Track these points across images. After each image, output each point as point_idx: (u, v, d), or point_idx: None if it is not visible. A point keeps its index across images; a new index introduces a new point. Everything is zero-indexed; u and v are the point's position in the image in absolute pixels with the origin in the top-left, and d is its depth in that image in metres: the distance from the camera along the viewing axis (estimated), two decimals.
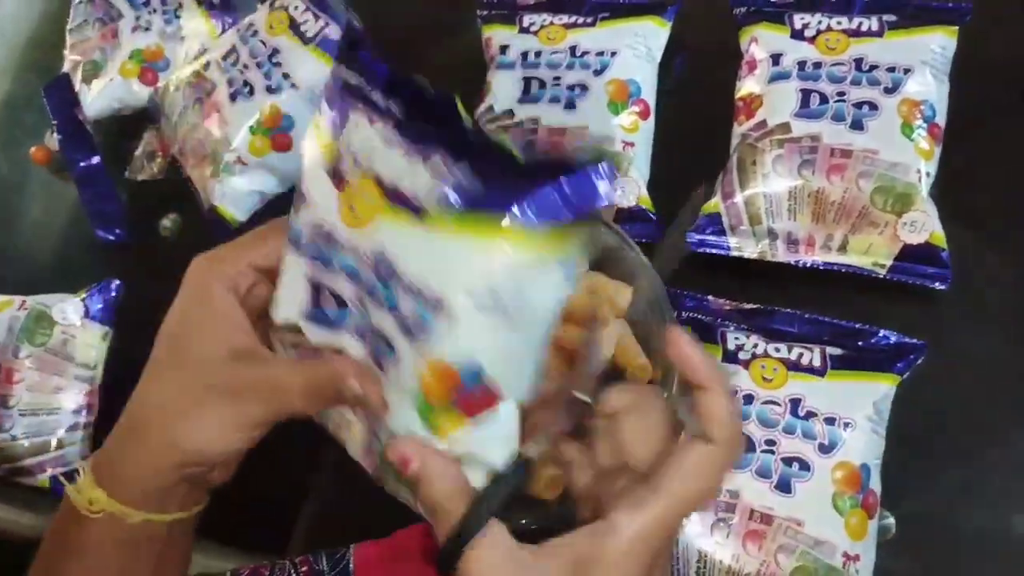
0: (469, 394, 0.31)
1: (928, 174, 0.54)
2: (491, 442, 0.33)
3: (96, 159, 0.77)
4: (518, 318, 0.30)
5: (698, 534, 0.47)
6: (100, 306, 0.70)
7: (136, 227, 0.78)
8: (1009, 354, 0.54)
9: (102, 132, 0.82)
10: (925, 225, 0.53)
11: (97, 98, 0.81)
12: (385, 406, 0.33)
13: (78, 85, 0.81)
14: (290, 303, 0.36)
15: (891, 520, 0.50)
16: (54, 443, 0.66)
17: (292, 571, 0.51)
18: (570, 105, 0.62)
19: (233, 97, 0.71)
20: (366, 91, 0.32)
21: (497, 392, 0.32)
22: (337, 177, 0.33)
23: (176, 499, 0.38)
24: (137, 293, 0.73)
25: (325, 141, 0.34)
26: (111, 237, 0.77)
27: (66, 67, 0.84)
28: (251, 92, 0.70)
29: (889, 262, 0.54)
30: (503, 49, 0.67)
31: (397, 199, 0.31)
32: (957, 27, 0.58)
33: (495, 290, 0.30)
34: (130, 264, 0.76)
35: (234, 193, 0.71)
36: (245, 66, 0.71)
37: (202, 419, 0.35)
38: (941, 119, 0.56)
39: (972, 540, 0.50)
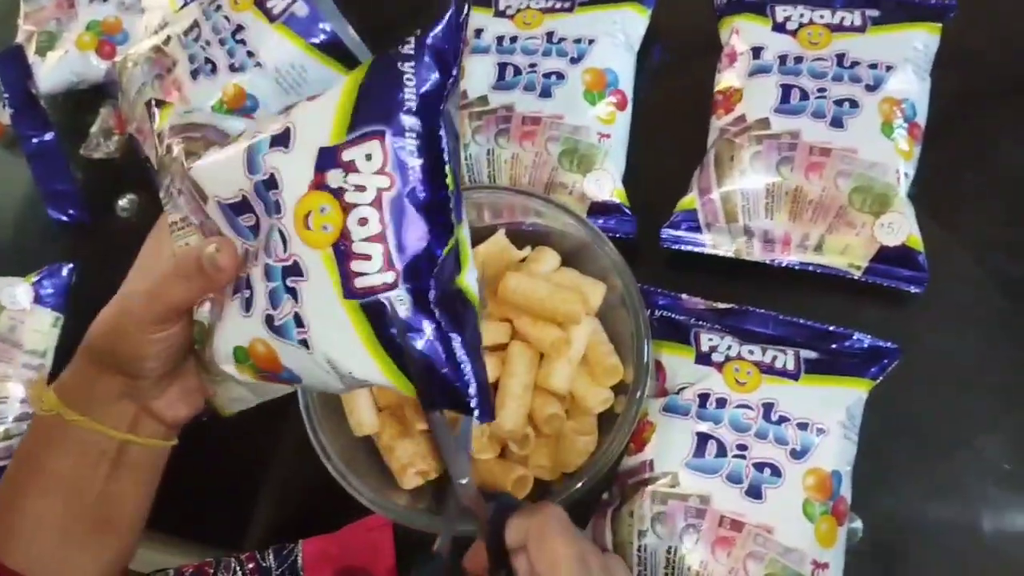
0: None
1: (907, 175, 0.53)
2: None
3: (50, 135, 0.74)
4: None
5: (666, 540, 0.46)
6: (51, 290, 0.68)
7: (92, 207, 0.75)
8: (981, 358, 0.54)
9: (57, 107, 0.79)
10: (902, 227, 0.52)
11: (52, 71, 0.78)
12: (235, 276, 0.38)
13: (32, 57, 0.78)
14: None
15: (859, 524, 0.50)
16: (1, 432, 0.63)
17: (238, 568, 0.50)
18: (546, 93, 0.60)
19: (195, 75, 0.67)
20: None
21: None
22: None
23: (125, 417, 0.43)
24: (91, 277, 0.70)
25: None
26: (65, 217, 0.74)
27: (19, 38, 0.80)
28: (213, 70, 0.67)
29: (865, 264, 0.54)
30: (478, 33, 0.64)
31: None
32: (940, 24, 0.57)
33: None
34: (85, 246, 0.73)
35: None
36: (207, 42, 0.68)
37: (108, 320, 0.41)
38: (922, 118, 0.55)
39: (940, 544, 0.50)
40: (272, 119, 0.37)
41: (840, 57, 0.56)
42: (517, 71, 0.62)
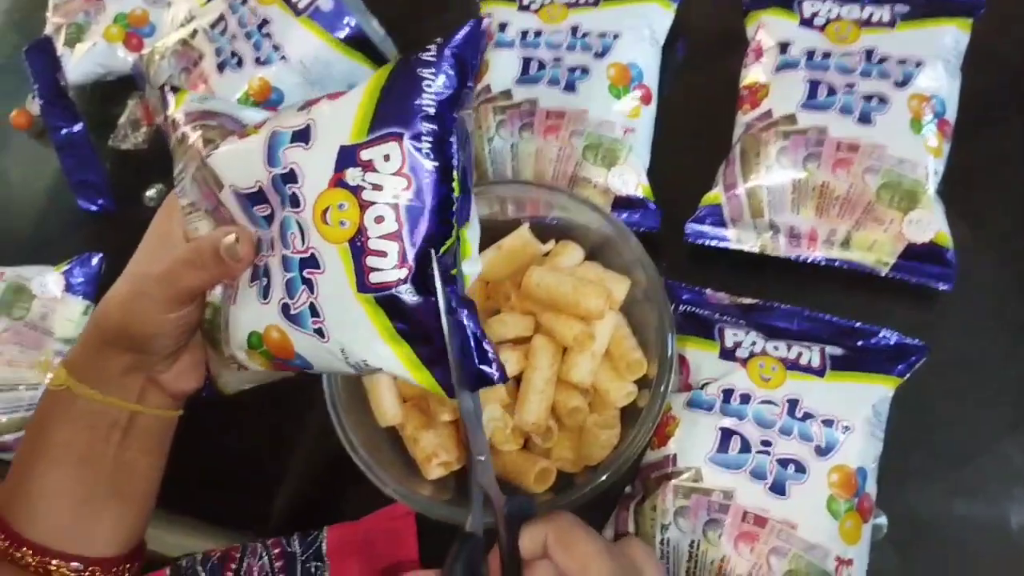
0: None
1: (936, 172, 0.53)
2: None
3: (79, 126, 0.75)
4: None
5: (689, 534, 0.46)
6: (81, 279, 0.68)
7: (120, 197, 0.76)
8: (1006, 358, 0.53)
9: (85, 98, 0.80)
10: (931, 224, 0.52)
11: (80, 63, 0.79)
12: (250, 262, 0.38)
13: (60, 49, 0.79)
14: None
15: (884, 519, 0.50)
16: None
17: (264, 553, 0.50)
18: (570, 87, 0.60)
19: (221, 68, 0.68)
20: None
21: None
22: None
23: (132, 390, 0.44)
24: (120, 266, 0.70)
25: None
26: (94, 207, 0.75)
27: (48, 30, 0.81)
28: (239, 63, 0.68)
29: (892, 260, 0.53)
30: (502, 27, 0.64)
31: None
32: (971, 20, 0.56)
33: None
34: (113, 236, 0.74)
35: None
36: (234, 36, 0.68)
37: (121, 301, 0.41)
38: (951, 115, 0.55)
39: (963, 542, 0.50)
40: (291, 113, 0.38)
41: (869, 53, 0.56)
42: (541, 65, 0.62)
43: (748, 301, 0.53)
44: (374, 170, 0.35)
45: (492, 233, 0.55)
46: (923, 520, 0.50)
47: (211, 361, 0.46)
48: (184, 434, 0.50)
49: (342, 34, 0.68)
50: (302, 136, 0.36)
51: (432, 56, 0.35)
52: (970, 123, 0.56)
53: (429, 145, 0.35)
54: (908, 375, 0.50)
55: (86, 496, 0.44)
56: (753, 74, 0.59)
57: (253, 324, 0.38)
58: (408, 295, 0.34)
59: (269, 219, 0.38)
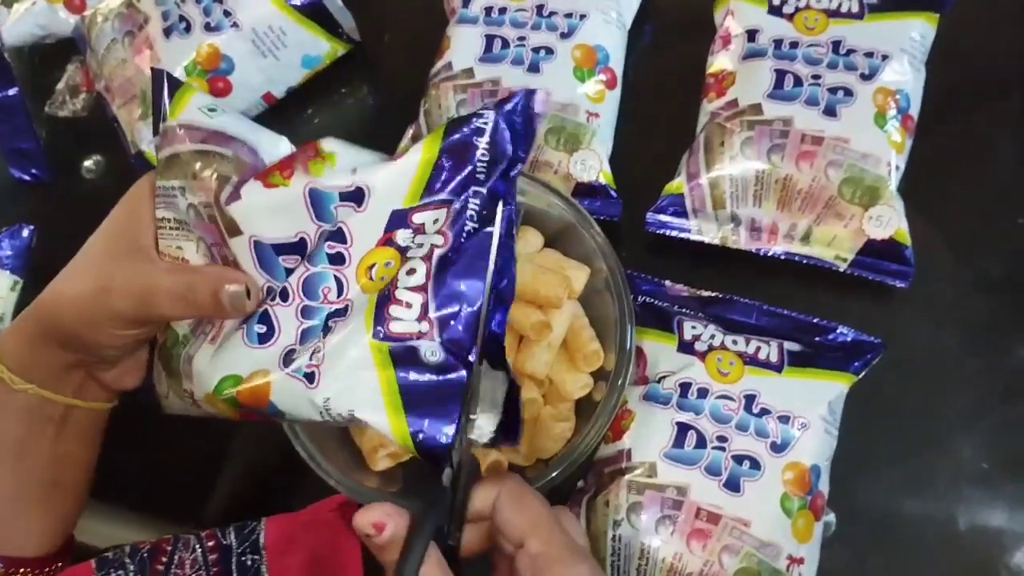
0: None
1: (898, 167, 0.52)
2: None
3: (13, 91, 0.71)
4: None
5: (641, 530, 0.45)
6: (10, 253, 0.65)
7: (56, 167, 0.72)
8: (961, 355, 0.53)
9: (22, 61, 0.76)
10: (891, 220, 0.52)
11: (17, 23, 0.74)
12: (253, 312, 0.37)
13: None
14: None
15: (832, 517, 0.49)
16: None
17: (197, 545, 0.48)
18: (534, 68, 0.58)
19: (167, 33, 0.64)
20: None
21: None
22: None
23: (70, 385, 0.42)
24: (53, 240, 0.67)
25: None
26: (27, 177, 0.71)
27: None
28: (188, 29, 0.64)
29: (851, 256, 0.53)
30: (466, 2, 0.62)
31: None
32: (938, 15, 0.56)
33: None
34: (47, 208, 0.71)
35: None
36: None
37: (79, 304, 0.38)
38: (915, 110, 0.54)
39: (913, 538, 0.50)
40: (321, 165, 0.37)
41: (836, 44, 0.55)
42: (505, 44, 0.60)
43: (707, 294, 0.53)
44: (423, 232, 0.36)
45: None
46: (873, 517, 0.50)
47: (158, 381, 0.43)
48: (119, 420, 0.47)
49: (297, 1, 0.65)
50: (353, 198, 0.37)
51: (484, 123, 0.37)
52: (931, 120, 0.55)
53: (476, 211, 0.36)
54: (864, 372, 0.50)
55: (21, 491, 0.42)
56: (720, 61, 0.58)
57: (233, 368, 0.37)
58: (430, 352, 0.35)
59: (290, 270, 0.37)
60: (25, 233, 0.66)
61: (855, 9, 0.56)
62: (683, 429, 0.47)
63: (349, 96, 0.70)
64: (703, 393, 0.48)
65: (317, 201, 0.37)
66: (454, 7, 0.63)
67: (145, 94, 0.64)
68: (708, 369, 0.49)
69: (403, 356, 0.35)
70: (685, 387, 0.48)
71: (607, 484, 0.47)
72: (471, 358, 0.35)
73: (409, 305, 0.35)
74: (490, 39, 0.60)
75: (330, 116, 0.70)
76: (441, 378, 0.35)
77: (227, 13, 0.64)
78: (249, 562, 0.47)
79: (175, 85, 0.41)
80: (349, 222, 0.37)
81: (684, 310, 0.52)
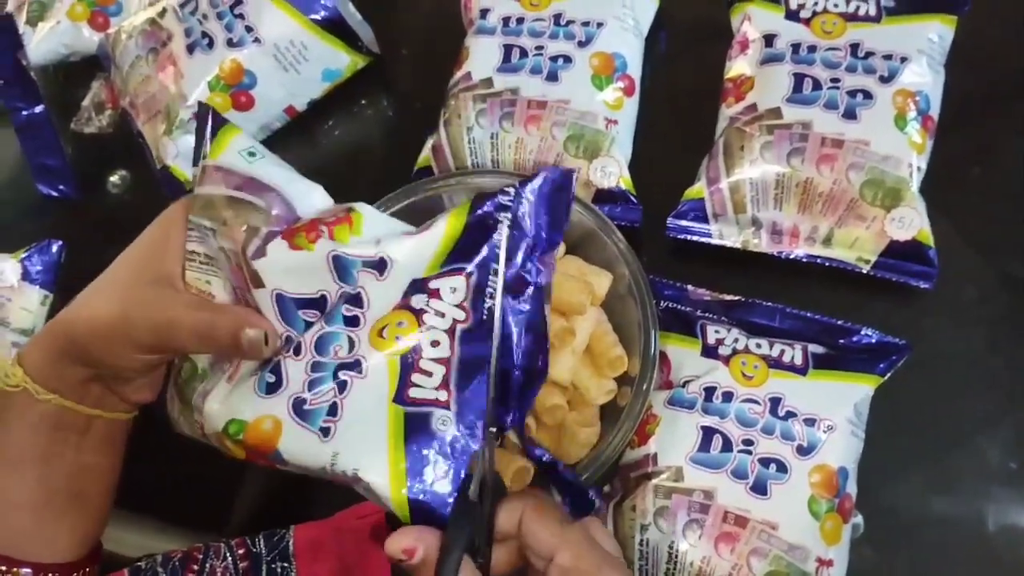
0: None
1: (919, 168, 0.52)
2: None
3: (40, 108, 0.72)
4: None
5: (669, 535, 0.45)
6: (40, 268, 0.66)
7: (82, 183, 0.73)
8: (984, 356, 0.53)
9: (48, 80, 0.77)
10: (914, 222, 0.52)
11: (42, 42, 0.76)
12: (271, 357, 0.38)
13: (22, 27, 0.76)
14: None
15: (860, 519, 0.49)
16: None
17: (228, 553, 0.48)
18: (552, 77, 0.59)
19: (191, 49, 0.66)
20: None
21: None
22: None
23: (91, 396, 0.42)
24: (81, 254, 0.68)
25: None
26: (54, 193, 0.73)
27: (10, 6, 0.78)
28: (210, 45, 0.65)
29: (874, 258, 0.53)
30: (484, 13, 0.63)
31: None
32: (955, 17, 0.56)
33: None
34: (74, 223, 0.72)
35: (189, 152, 0.66)
36: (204, 16, 0.66)
37: (98, 327, 0.39)
38: (935, 111, 0.54)
39: (941, 540, 0.49)
40: (346, 231, 0.39)
41: (854, 47, 0.55)
42: (523, 53, 0.60)
43: (730, 298, 0.53)
44: (439, 298, 0.38)
45: None
46: (901, 519, 0.50)
47: (171, 405, 0.44)
48: (144, 430, 0.48)
49: (318, 16, 0.66)
50: (376, 267, 0.38)
51: (509, 200, 0.38)
52: (952, 121, 0.55)
53: (495, 287, 0.37)
54: (889, 374, 0.50)
55: (45, 501, 0.42)
56: (738, 67, 0.58)
57: (240, 412, 0.38)
58: (441, 421, 0.36)
59: (308, 325, 0.38)
60: (54, 249, 0.67)
61: (872, 12, 0.56)
62: (709, 433, 0.47)
63: (369, 107, 0.71)
64: (728, 397, 0.48)
65: (340, 266, 0.38)
66: (472, 18, 0.64)
67: (170, 109, 0.65)
68: (732, 373, 0.49)
69: (416, 421, 0.36)
70: (710, 391, 0.49)
71: (633, 489, 0.48)
72: (478, 431, 0.36)
73: (430, 374, 0.37)
74: (508, 49, 0.61)
75: (351, 128, 0.71)
76: (448, 448, 0.36)
77: (249, 29, 0.65)
78: (279, 570, 0.47)
79: (219, 123, 0.41)
80: (368, 288, 0.38)
81: (707, 314, 0.52)
